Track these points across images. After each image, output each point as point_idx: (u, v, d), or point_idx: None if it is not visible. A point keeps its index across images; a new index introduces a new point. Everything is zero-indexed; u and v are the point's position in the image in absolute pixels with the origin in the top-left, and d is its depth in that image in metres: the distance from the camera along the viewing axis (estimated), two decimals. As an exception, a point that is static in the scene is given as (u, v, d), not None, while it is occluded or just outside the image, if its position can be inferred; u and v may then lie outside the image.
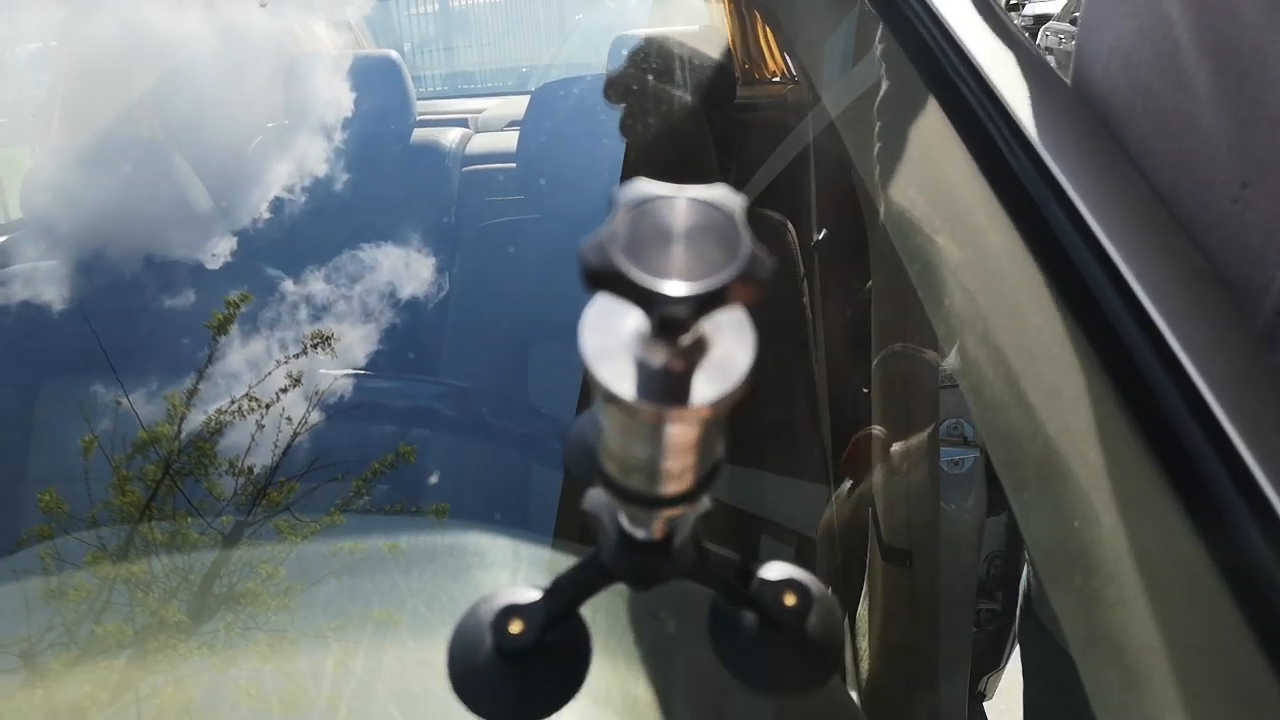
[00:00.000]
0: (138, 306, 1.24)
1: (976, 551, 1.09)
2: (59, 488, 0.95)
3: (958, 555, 1.02)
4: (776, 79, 1.40)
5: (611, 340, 0.22)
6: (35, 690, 0.70)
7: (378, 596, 0.75)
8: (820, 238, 1.13)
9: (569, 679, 0.31)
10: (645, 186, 0.22)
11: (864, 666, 1.08)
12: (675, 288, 0.20)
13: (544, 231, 1.38)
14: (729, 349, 0.23)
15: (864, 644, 1.09)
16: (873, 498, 1.07)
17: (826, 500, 1.07)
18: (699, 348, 0.22)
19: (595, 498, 0.28)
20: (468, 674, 0.30)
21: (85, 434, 1.01)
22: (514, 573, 0.77)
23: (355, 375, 1.11)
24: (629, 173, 1.23)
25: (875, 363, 1.07)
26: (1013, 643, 1.32)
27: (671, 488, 0.25)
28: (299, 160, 1.49)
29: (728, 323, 0.23)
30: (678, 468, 0.25)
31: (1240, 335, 0.37)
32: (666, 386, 0.22)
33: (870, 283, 1.06)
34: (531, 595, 0.30)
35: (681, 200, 0.22)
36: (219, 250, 1.31)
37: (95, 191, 1.33)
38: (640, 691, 0.61)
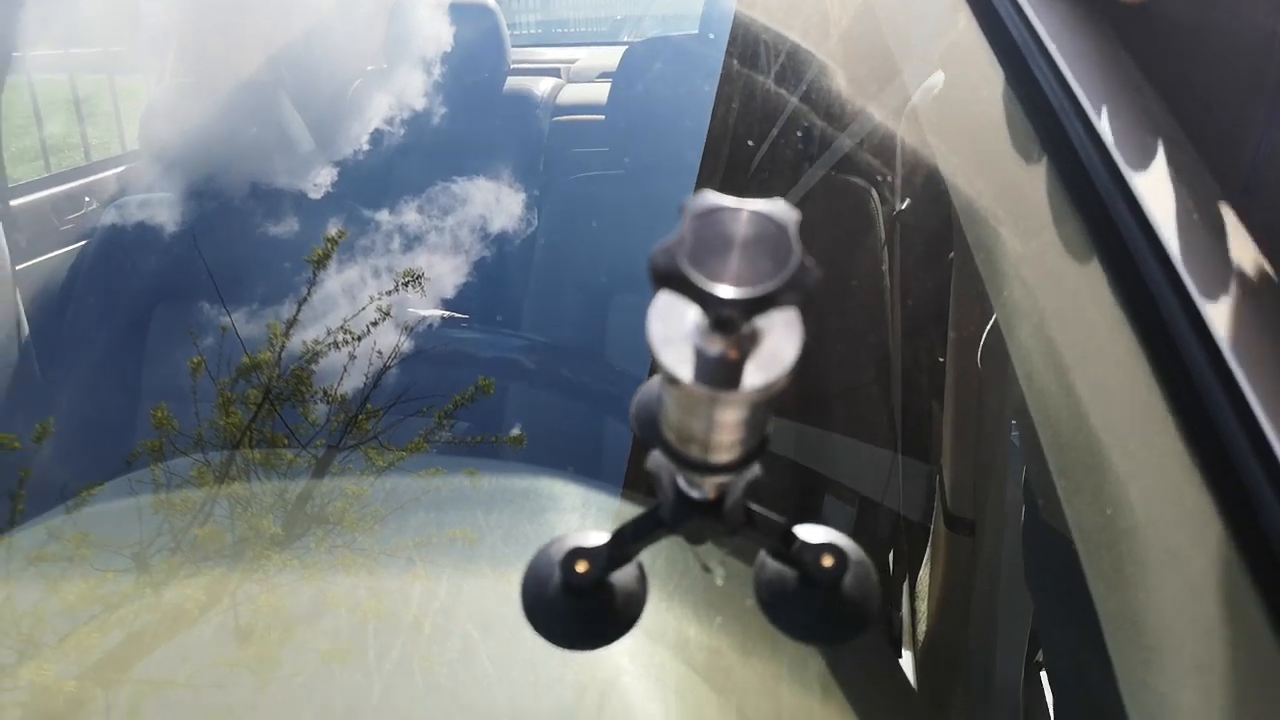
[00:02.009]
0: (243, 238, 1.30)
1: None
2: (169, 405, 1.02)
3: (1022, 528, 1.03)
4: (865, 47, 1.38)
5: (674, 329, 0.25)
6: (144, 589, 0.76)
7: (457, 523, 0.80)
8: (904, 206, 1.13)
9: (626, 615, 0.34)
10: (712, 198, 0.25)
11: (920, 628, 1.10)
12: (729, 291, 0.23)
13: (629, 188, 1.40)
14: (778, 343, 0.25)
15: (923, 607, 1.11)
16: (940, 466, 1.08)
17: (891, 465, 1.09)
18: (752, 340, 0.25)
19: (657, 460, 0.32)
20: (538, 605, 0.34)
21: (193, 356, 1.08)
22: (582, 516, 0.81)
23: (442, 317, 1.16)
24: (716, 133, 1.24)
25: (951, 334, 1.07)
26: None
27: (723, 457, 0.29)
28: (395, 104, 1.53)
29: (780, 319, 0.26)
30: (728, 441, 0.28)
31: None
32: (720, 373, 0.25)
33: (953, 254, 1.06)
34: (597, 540, 0.34)
35: (742, 212, 0.24)
36: (318, 188, 1.37)
37: (207, 128, 1.39)
38: (692, 633, 0.65)
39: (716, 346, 0.25)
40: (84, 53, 2.27)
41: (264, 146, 1.42)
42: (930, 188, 1.05)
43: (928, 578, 1.11)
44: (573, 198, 1.47)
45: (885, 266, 1.15)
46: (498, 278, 1.32)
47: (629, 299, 1.25)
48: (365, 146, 1.47)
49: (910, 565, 1.13)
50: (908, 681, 0.86)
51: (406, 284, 1.15)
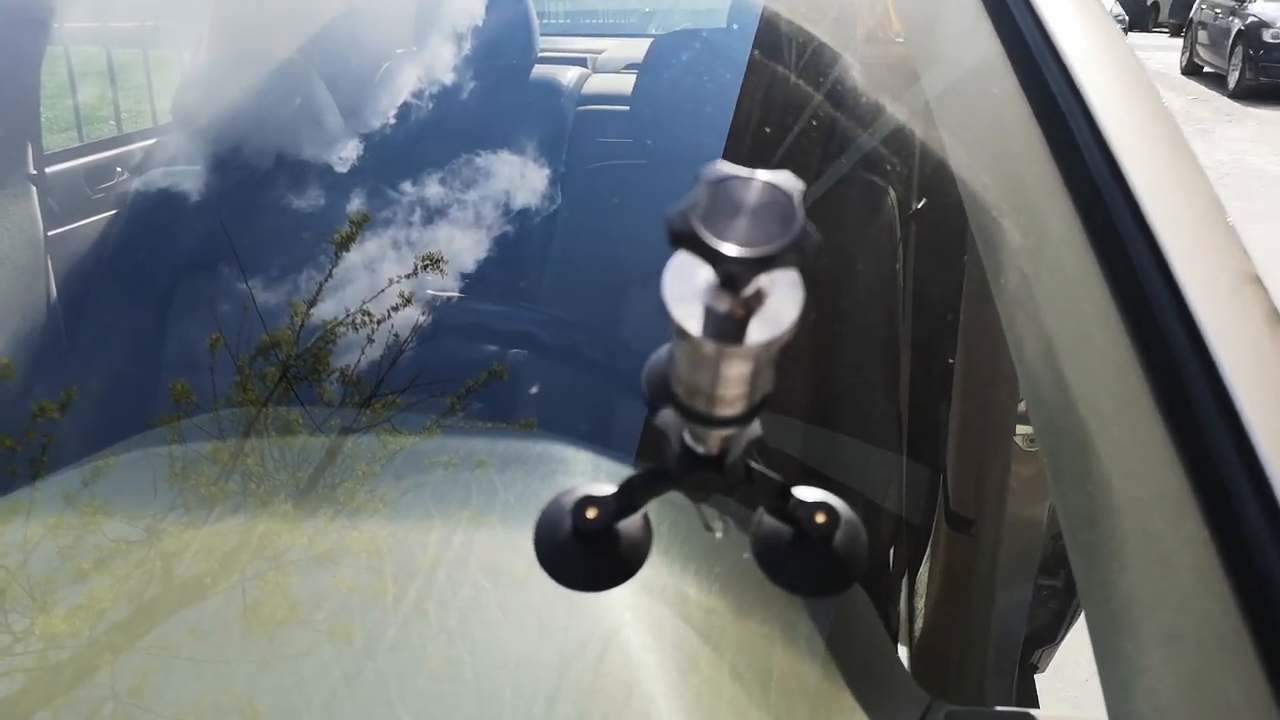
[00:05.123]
0: (269, 216, 1.32)
1: (1041, 528, 1.10)
2: (188, 378, 1.04)
3: (1022, 530, 1.04)
4: (900, 40, 1.39)
5: (686, 288, 0.27)
6: (155, 563, 0.78)
7: (473, 483, 0.83)
8: (920, 206, 1.13)
9: (630, 562, 0.37)
10: (725, 167, 0.27)
11: (918, 625, 1.11)
12: (736, 250, 0.25)
13: (650, 178, 1.41)
14: (781, 303, 0.27)
15: (920, 604, 1.12)
16: (944, 465, 1.09)
17: (895, 466, 1.10)
18: (757, 299, 0.27)
19: (665, 417, 0.34)
20: (550, 549, 0.37)
21: (217, 329, 1.10)
22: (592, 480, 0.83)
23: (460, 298, 1.17)
24: (738, 127, 1.25)
25: (962, 335, 1.08)
26: (1070, 620, 1.33)
27: (726, 411, 0.31)
28: (422, 87, 1.54)
29: (783, 281, 0.28)
30: (732, 395, 0.30)
31: (1276, 344, 0.40)
32: (726, 329, 0.27)
33: (967, 256, 1.07)
34: (606, 490, 0.37)
35: (752, 181, 0.27)
36: (347, 168, 1.39)
37: (239, 105, 1.42)
38: (691, 593, 0.68)
39: (724, 304, 0.27)
40: (120, 26, 2.30)
41: (295, 125, 1.44)
42: (946, 189, 1.06)
43: (926, 575, 1.12)
44: (594, 187, 1.48)
45: (900, 265, 1.16)
46: (516, 261, 1.33)
47: (645, 287, 1.27)
48: (392, 129, 1.49)
49: (910, 562, 1.14)
50: (893, 650, 0.89)
51: (426, 267, 1.17)
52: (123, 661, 0.67)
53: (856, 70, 1.16)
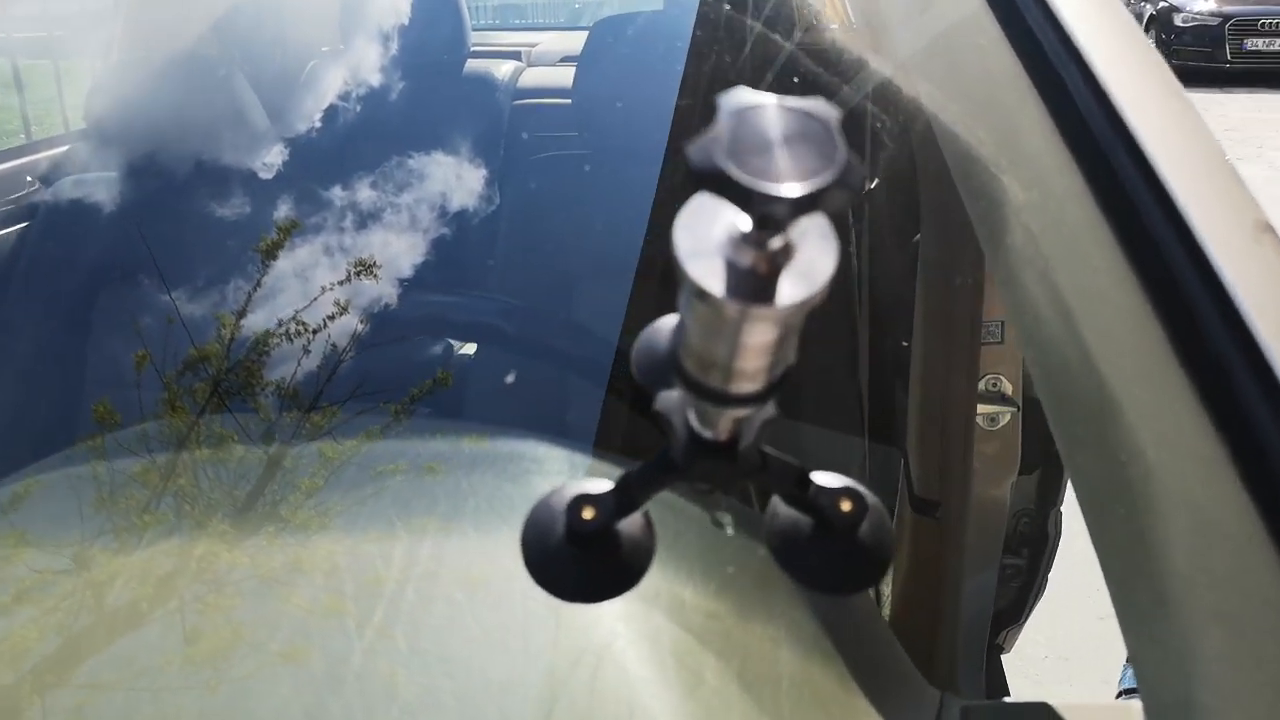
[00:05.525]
0: (194, 222, 1.27)
1: (1005, 508, 1.10)
2: (111, 397, 0.99)
3: (986, 510, 1.03)
4: (835, 26, 1.38)
5: (703, 241, 0.23)
6: (85, 593, 0.73)
7: (438, 487, 0.78)
8: (871, 187, 1.12)
9: (634, 566, 0.33)
10: (746, 95, 0.23)
11: (885, 612, 1.10)
12: (775, 189, 0.21)
13: (593, 168, 1.38)
14: (813, 255, 0.23)
15: (887, 590, 1.11)
16: (906, 450, 1.08)
17: (857, 450, 1.09)
18: (785, 253, 0.23)
19: (667, 400, 0.30)
20: (540, 555, 0.32)
21: (139, 347, 1.05)
22: (568, 480, 0.80)
23: (399, 300, 1.13)
24: (681, 114, 1.23)
25: (917, 316, 1.07)
26: (1034, 599, 1.34)
27: (745, 387, 0.27)
28: (351, 85, 1.50)
29: (813, 230, 0.24)
30: (752, 368, 0.26)
31: None
32: (753, 286, 0.23)
33: (919, 236, 1.06)
34: (602, 486, 0.32)
35: (780, 109, 0.23)
36: (273, 170, 1.33)
37: (157, 106, 1.35)
38: (687, 596, 0.64)
39: (749, 258, 0.23)
40: (27, 35, 2.21)
41: (217, 127, 1.38)
42: (898, 168, 1.04)
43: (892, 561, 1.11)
44: (534, 180, 1.45)
45: (853, 248, 1.14)
46: (457, 261, 1.30)
47: (594, 281, 1.24)
48: (320, 129, 1.44)
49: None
50: (897, 644, 0.87)
51: (360, 272, 1.13)
52: (52, 701, 0.63)
53: (804, 47, 1.14)
